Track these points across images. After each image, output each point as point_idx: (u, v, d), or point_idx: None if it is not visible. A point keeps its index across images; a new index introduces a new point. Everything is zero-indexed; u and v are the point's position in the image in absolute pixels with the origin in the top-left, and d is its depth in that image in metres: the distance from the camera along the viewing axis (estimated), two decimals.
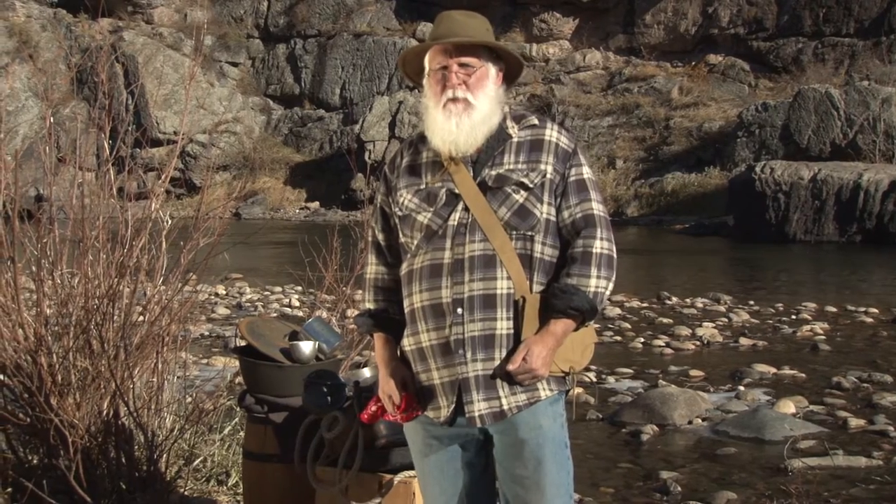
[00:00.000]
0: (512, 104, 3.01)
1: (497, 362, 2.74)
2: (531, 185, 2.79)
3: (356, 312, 3.27)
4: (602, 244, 2.80)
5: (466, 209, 2.79)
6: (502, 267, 2.75)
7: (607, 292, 2.80)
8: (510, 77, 2.94)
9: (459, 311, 2.74)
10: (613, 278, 2.81)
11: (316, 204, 36.96)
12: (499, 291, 2.74)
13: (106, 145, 5.13)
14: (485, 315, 2.73)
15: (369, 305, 3.00)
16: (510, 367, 2.71)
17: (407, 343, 2.87)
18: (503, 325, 2.74)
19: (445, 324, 2.75)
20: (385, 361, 2.91)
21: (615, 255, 2.83)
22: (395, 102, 36.51)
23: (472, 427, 2.79)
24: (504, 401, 2.75)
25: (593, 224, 2.81)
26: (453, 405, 2.77)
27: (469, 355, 2.74)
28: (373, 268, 3.01)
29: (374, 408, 3.02)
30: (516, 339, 2.75)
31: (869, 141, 27.66)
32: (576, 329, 2.78)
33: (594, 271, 2.77)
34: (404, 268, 2.88)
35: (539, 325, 2.75)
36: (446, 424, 2.81)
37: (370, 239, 3.07)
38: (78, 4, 35.88)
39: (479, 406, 2.75)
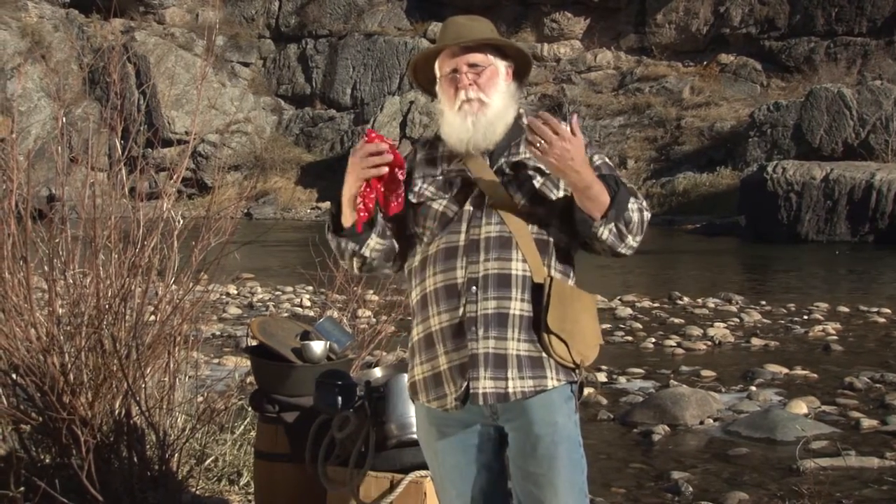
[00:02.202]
0: (523, 104, 3.04)
1: (509, 342, 2.74)
2: (548, 171, 2.80)
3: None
4: (637, 204, 2.80)
5: (482, 195, 2.81)
6: (518, 249, 2.77)
7: (637, 216, 2.77)
8: (520, 74, 2.98)
9: (474, 289, 2.75)
10: (646, 220, 2.79)
11: (327, 204, 36.85)
12: (514, 272, 2.76)
13: (118, 145, 5.15)
14: (499, 294, 2.75)
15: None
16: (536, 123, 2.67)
17: (415, 333, 2.88)
18: (517, 306, 2.75)
19: (459, 304, 2.76)
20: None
21: (648, 215, 2.82)
22: (407, 102, 36.48)
23: (476, 404, 2.75)
24: (510, 383, 2.74)
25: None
26: (462, 389, 2.76)
27: (481, 332, 2.74)
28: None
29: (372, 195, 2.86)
30: (529, 322, 2.75)
31: (881, 140, 27.51)
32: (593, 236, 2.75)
33: (633, 204, 2.77)
34: (418, 257, 2.88)
35: (561, 311, 2.74)
36: (457, 408, 2.78)
37: None
38: (90, 5, 35.92)
39: (484, 384, 2.74)
